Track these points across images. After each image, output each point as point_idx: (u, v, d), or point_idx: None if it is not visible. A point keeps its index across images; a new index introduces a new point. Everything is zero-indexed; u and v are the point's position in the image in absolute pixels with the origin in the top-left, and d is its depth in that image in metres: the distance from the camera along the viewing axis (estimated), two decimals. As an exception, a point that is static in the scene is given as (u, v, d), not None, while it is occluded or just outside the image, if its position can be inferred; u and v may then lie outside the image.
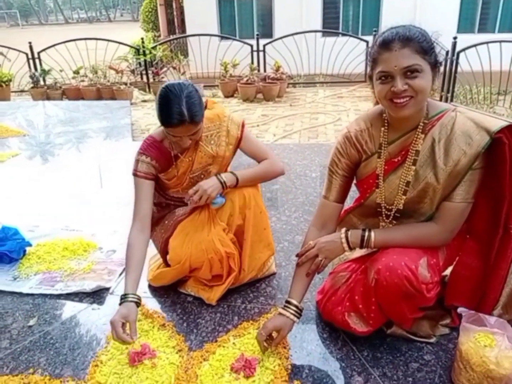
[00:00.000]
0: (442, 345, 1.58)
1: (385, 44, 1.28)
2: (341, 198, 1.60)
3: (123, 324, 1.48)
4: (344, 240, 1.50)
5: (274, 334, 1.51)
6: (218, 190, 1.75)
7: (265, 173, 1.87)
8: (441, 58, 1.34)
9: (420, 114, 1.39)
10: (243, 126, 1.85)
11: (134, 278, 1.60)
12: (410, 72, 1.27)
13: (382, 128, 1.46)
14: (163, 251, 1.93)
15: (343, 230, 1.52)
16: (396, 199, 1.48)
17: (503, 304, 1.58)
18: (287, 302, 1.53)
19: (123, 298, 1.55)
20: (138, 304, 1.56)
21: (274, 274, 2.04)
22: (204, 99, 1.75)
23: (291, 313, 1.50)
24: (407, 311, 1.47)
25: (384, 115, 1.46)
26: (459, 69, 6.36)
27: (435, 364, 1.50)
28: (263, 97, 7.12)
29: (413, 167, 1.42)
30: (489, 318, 1.39)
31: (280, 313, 1.52)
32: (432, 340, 1.60)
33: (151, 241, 1.98)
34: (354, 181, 1.63)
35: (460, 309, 1.43)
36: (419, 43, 1.26)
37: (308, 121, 5.83)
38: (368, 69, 1.40)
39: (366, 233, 1.48)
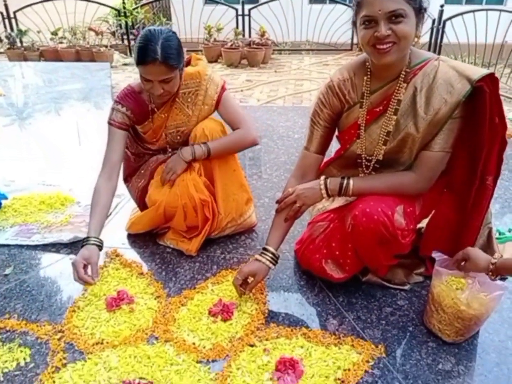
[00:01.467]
0: (416, 292, 1.62)
1: None
2: (322, 150, 1.59)
3: (85, 266, 1.51)
4: (323, 187, 1.50)
5: (250, 280, 1.53)
6: (182, 168, 1.76)
7: (236, 144, 1.82)
8: (425, 3, 1.31)
9: (402, 63, 1.37)
10: (222, 88, 1.80)
11: (98, 222, 1.61)
12: (395, 16, 1.24)
13: (365, 77, 1.44)
14: (140, 199, 1.93)
15: (322, 177, 1.52)
16: (376, 150, 1.49)
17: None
18: (264, 249, 1.54)
19: (86, 241, 1.56)
20: (100, 247, 1.58)
21: (255, 225, 2.04)
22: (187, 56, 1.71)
23: (267, 259, 1.52)
24: (383, 257, 1.50)
25: (367, 63, 1.44)
26: (445, 39, 6.33)
27: (408, 308, 1.55)
28: (247, 62, 7.00)
29: (394, 117, 1.42)
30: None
31: (256, 259, 1.53)
32: (406, 287, 1.64)
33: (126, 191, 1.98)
34: (336, 134, 1.62)
35: (434, 254, 1.45)
36: None
37: (293, 87, 5.76)
38: (352, 14, 1.37)
39: (345, 181, 1.48)
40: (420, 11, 1.29)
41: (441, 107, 1.35)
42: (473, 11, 5.71)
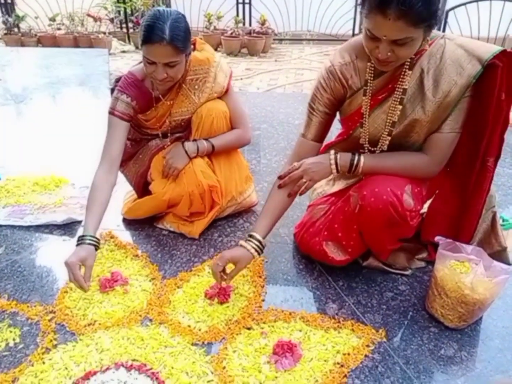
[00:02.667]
0: (417, 277, 1.58)
1: (381, 6, 1.10)
2: (320, 137, 1.50)
3: (80, 267, 1.39)
4: (333, 161, 1.42)
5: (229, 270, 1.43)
6: (183, 163, 1.71)
7: (235, 143, 1.84)
8: (438, 15, 1.19)
9: None
10: (230, 76, 1.77)
11: (95, 220, 1.49)
12: (399, 41, 1.17)
13: (368, 64, 1.35)
14: (138, 184, 1.87)
15: (332, 151, 1.44)
16: (381, 141, 1.43)
17: (479, 240, 1.58)
18: (250, 235, 1.43)
19: (81, 239, 1.44)
20: (96, 247, 1.46)
21: (255, 205, 1.99)
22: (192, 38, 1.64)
23: (252, 247, 1.40)
24: (388, 240, 1.46)
25: None
26: (448, 31, 6.25)
27: (409, 294, 1.51)
28: (247, 51, 6.91)
29: (400, 106, 1.35)
30: (466, 246, 1.39)
31: (241, 245, 1.41)
32: (407, 272, 1.60)
33: (122, 177, 1.92)
34: (338, 117, 1.56)
35: (437, 238, 1.41)
36: (418, 13, 1.09)
37: (293, 76, 5.69)
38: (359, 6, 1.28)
39: (356, 157, 1.40)
40: (433, 26, 1.19)
41: (451, 89, 1.28)
42: (477, 0, 5.63)
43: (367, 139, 1.45)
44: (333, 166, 1.42)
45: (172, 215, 1.86)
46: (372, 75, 1.37)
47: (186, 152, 1.71)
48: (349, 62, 1.39)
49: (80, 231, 1.83)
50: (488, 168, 1.41)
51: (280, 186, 1.47)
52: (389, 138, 1.41)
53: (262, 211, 1.49)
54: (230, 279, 1.42)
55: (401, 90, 1.34)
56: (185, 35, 1.52)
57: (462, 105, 1.32)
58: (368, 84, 1.38)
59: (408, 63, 1.31)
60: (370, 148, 1.47)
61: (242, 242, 1.42)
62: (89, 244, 1.43)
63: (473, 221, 1.50)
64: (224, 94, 1.77)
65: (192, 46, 1.68)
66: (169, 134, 1.81)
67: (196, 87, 1.71)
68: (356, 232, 1.47)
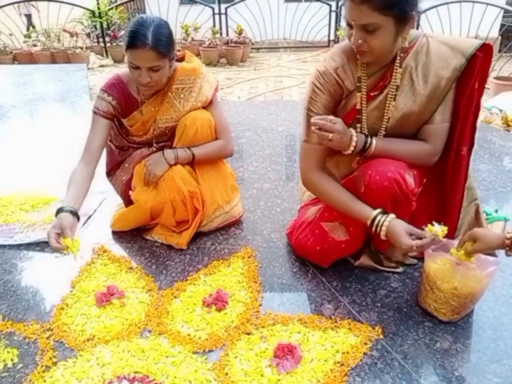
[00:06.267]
0: (408, 274, 1.62)
1: None
2: None
3: (59, 235, 1.42)
4: (354, 139, 1.40)
5: None
6: (163, 170, 1.72)
7: (216, 154, 1.85)
8: (412, 8, 1.25)
9: (395, 48, 1.35)
10: (216, 88, 1.81)
11: (73, 196, 1.54)
12: (368, 28, 1.24)
13: (360, 61, 1.39)
14: (124, 193, 1.89)
15: (353, 130, 1.42)
16: (378, 135, 1.47)
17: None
18: None
19: (57, 212, 1.47)
20: (74, 214, 1.48)
21: (241, 215, 2.00)
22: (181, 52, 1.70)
23: None
24: None
25: None
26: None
27: (402, 290, 1.54)
28: (226, 61, 6.96)
29: (393, 103, 1.41)
30: (454, 241, 1.43)
31: None
32: (399, 270, 1.63)
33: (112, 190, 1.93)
34: None
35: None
36: None
37: (273, 84, 5.75)
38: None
39: (369, 139, 1.43)
40: (404, 18, 1.25)
41: (439, 82, 1.36)
42: (447, 3, 5.80)
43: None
44: (354, 143, 1.40)
45: (160, 227, 1.86)
46: (365, 72, 1.42)
47: (165, 159, 1.73)
48: (341, 65, 1.43)
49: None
50: (462, 157, 1.47)
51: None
52: (384, 133, 1.46)
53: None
54: None
55: (394, 87, 1.40)
56: (168, 40, 1.57)
57: (449, 96, 1.40)
58: (362, 80, 1.42)
59: (399, 62, 1.37)
60: None
61: None
62: (64, 212, 1.46)
63: (455, 212, 1.54)
64: (208, 105, 1.80)
65: (179, 54, 1.74)
66: (154, 143, 1.83)
67: (182, 96, 1.74)
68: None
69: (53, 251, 1.69)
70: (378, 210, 1.40)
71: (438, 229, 1.32)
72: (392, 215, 1.39)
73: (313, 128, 1.35)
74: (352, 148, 1.42)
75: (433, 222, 1.34)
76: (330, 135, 1.35)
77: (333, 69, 1.43)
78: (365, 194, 1.43)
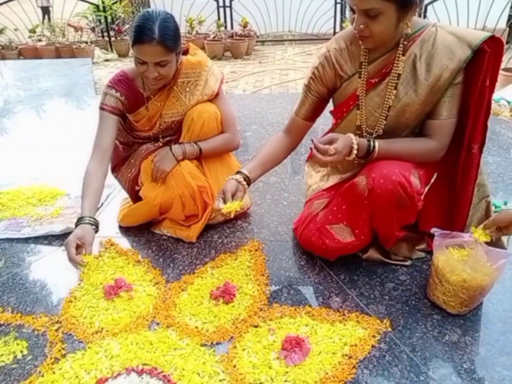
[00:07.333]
0: (417, 266, 1.61)
1: None
2: (311, 117, 1.58)
3: (78, 247, 1.43)
4: (356, 147, 1.40)
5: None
6: (171, 166, 1.72)
7: (223, 147, 1.85)
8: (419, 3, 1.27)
9: (398, 35, 1.34)
10: (221, 81, 1.80)
11: (91, 203, 1.54)
12: (370, 13, 1.23)
13: (363, 47, 1.40)
14: (131, 189, 1.88)
15: (353, 136, 1.41)
16: (377, 125, 1.47)
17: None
18: (237, 172, 1.53)
19: (79, 220, 1.49)
20: (95, 226, 1.50)
21: (249, 207, 2.00)
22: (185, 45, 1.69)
23: (240, 177, 1.49)
24: (396, 224, 1.47)
25: None
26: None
27: (410, 283, 1.54)
28: (231, 54, 6.94)
29: (395, 91, 1.40)
30: (463, 234, 1.42)
31: (230, 178, 1.50)
32: (407, 263, 1.62)
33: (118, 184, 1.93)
34: (330, 110, 1.59)
35: (433, 229, 1.44)
36: None
37: (278, 77, 5.73)
38: None
39: (372, 143, 1.43)
40: (406, 4, 1.25)
41: (442, 73, 1.34)
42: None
43: (364, 122, 1.48)
44: (355, 151, 1.40)
45: (169, 221, 1.86)
46: (367, 58, 1.41)
47: (173, 154, 1.72)
48: (344, 48, 1.44)
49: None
50: (474, 155, 1.46)
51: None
52: (385, 122, 1.45)
53: (255, 155, 1.59)
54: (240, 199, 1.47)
55: (396, 75, 1.38)
56: (175, 35, 1.55)
57: (454, 91, 1.38)
58: (363, 66, 1.42)
59: (401, 49, 1.36)
60: (368, 130, 1.49)
61: (230, 176, 1.51)
62: (88, 223, 1.47)
63: (464, 209, 1.53)
64: (214, 98, 1.79)
65: (183, 47, 1.72)
66: (160, 138, 1.82)
67: (187, 89, 1.73)
68: (363, 218, 1.47)
69: (61, 245, 1.71)
70: None
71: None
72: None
73: (314, 151, 1.38)
74: (354, 154, 1.42)
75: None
76: (329, 158, 1.37)
77: (333, 52, 1.45)
78: (369, 198, 1.42)
